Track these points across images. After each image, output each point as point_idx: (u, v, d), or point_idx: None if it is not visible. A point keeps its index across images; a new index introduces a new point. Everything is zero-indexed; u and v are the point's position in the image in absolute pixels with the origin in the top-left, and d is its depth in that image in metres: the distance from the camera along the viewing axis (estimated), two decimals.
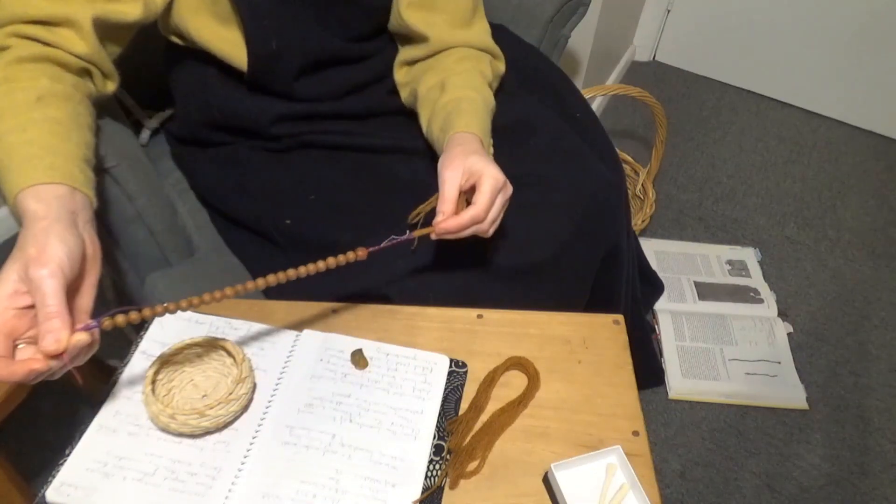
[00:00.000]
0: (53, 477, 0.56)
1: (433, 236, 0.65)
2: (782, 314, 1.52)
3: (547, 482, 0.58)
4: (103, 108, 0.75)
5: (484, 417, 0.63)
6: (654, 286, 1.48)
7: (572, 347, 0.70)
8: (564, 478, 0.57)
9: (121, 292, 0.92)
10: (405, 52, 0.91)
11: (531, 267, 0.78)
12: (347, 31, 0.87)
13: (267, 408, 0.62)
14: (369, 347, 0.67)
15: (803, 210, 1.83)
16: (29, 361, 0.47)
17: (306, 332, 0.69)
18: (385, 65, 0.93)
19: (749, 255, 1.66)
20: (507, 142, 0.87)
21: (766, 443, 1.29)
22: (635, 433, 0.62)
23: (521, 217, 0.80)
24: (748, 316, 1.50)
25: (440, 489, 0.57)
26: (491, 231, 0.67)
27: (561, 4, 1.16)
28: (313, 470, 0.57)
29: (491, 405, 0.64)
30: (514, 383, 0.66)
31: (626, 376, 0.67)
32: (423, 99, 0.84)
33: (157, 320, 0.68)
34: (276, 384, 0.64)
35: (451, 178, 0.64)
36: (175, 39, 0.84)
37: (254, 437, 0.60)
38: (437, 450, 0.60)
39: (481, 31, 0.89)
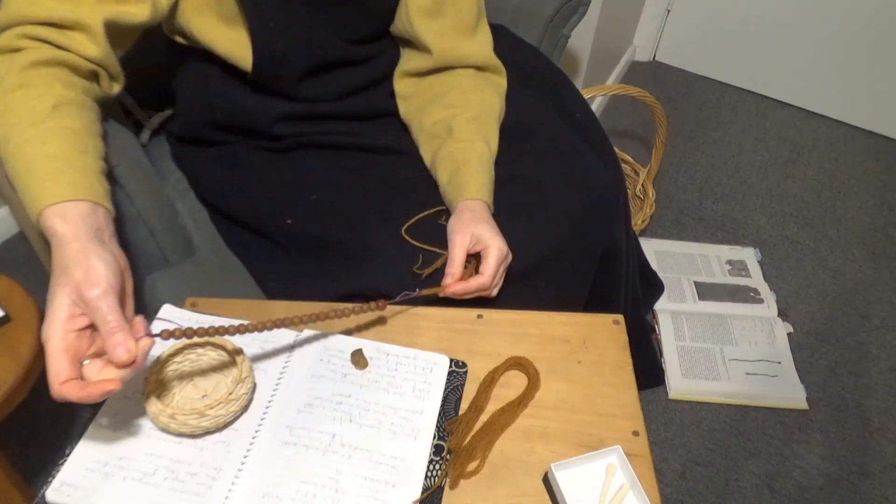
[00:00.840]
0: (53, 477, 0.56)
1: (441, 294, 0.71)
2: (782, 314, 1.52)
3: (547, 482, 0.58)
4: (103, 107, 0.75)
5: (484, 417, 0.63)
6: (654, 286, 1.48)
7: (572, 347, 0.70)
8: (564, 478, 0.57)
9: None
10: (407, 62, 0.92)
11: (530, 267, 0.79)
12: (351, 34, 0.88)
13: (267, 408, 0.62)
14: (369, 347, 0.67)
15: (803, 210, 1.83)
16: (102, 383, 0.50)
17: (306, 332, 0.69)
18: (387, 66, 0.94)
19: (749, 255, 1.66)
20: (506, 142, 0.88)
21: (766, 443, 1.29)
22: (635, 433, 0.62)
23: (519, 217, 0.80)
24: (748, 316, 1.50)
25: (440, 489, 0.57)
26: (494, 293, 0.74)
27: (561, 4, 1.16)
28: (313, 470, 0.57)
29: (491, 405, 0.64)
30: (514, 383, 0.66)
31: (626, 376, 0.67)
32: (429, 133, 0.87)
33: (156, 320, 0.68)
34: (276, 384, 0.64)
35: (460, 243, 0.72)
36: (179, 39, 0.84)
37: (254, 437, 0.60)
38: (437, 450, 0.60)
39: (484, 44, 0.91)
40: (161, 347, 0.63)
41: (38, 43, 0.65)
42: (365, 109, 0.93)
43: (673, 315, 1.49)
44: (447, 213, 0.81)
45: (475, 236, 0.72)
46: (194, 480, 0.56)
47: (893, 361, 1.45)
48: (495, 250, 0.71)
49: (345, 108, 0.91)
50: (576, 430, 0.62)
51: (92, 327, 0.52)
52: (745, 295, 1.55)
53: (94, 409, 0.61)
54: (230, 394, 0.59)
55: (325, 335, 0.68)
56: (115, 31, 0.69)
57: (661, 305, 1.51)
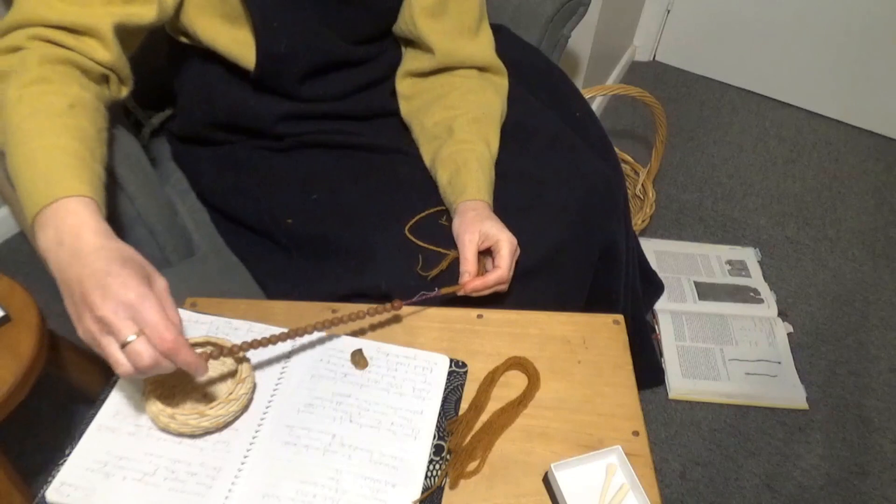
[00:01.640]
0: (53, 477, 0.56)
1: (460, 293, 0.71)
2: (782, 314, 1.52)
3: (547, 482, 0.58)
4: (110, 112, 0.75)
5: (484, 417, 0.63)
6: (654, 286, 1.48)
7: (572, 347, 0.70)
8: (564, 478, 0.57)
9: None
10: (410, 62, 0.92)
11: (530, 266, 0.78)
12: (354, 34, 0.88)
13: (267, 408, 0.62)
14: (369, 347, 0.67)
15: (803, 210, 1.83)
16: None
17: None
18: (388, 66, 0.94)
19: (749, 255, 1.66)
20: (506, 142, 0.88)
21: (766, 443, 1.29)
22: (635, 433, 0.62)
23: (519, 217, 0.80)
24: (748, 316, 1.50)
25: (440, 489, 0.57)
26: (506, 287, 0.74)
27: (561, 4, 1.16)
28: (313, 470, 0.57)
29: (491, 405, 0.64)
30: (514, 383, 0.66)
31: (626, 376, 0.67)
32: (429, 134, 0.87)
33: None
34: (276, 384, 0.64)
35: (470, 242, 0.72)
36: (182, 39, 0.84)
37: (254, 437, 0.60)
38: (437, 450, 0.60)
39: (486, 44, 0.91)
40: None
41: (48, 44, 0.65)
42: (366, 109, 0.93)
43: (673, 315, 1.49)
44: (448, 213, 0.81)
45: (483, 233, 0.73)
46: (194, 480, 0.56)
47: (893, 361, 1.45)
48: (506, 243, 0.72)
49: (346, 107, 0.91)
50: (576, 430, 0.62)
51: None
52: (745, 295, 1.55)
53: (94, 409, 0.61)
54: (230, 394, 0.59)
55: (325, 335, 0.68)
56: (122, 33, 0.69)
57: (661, 305, 1.51)
